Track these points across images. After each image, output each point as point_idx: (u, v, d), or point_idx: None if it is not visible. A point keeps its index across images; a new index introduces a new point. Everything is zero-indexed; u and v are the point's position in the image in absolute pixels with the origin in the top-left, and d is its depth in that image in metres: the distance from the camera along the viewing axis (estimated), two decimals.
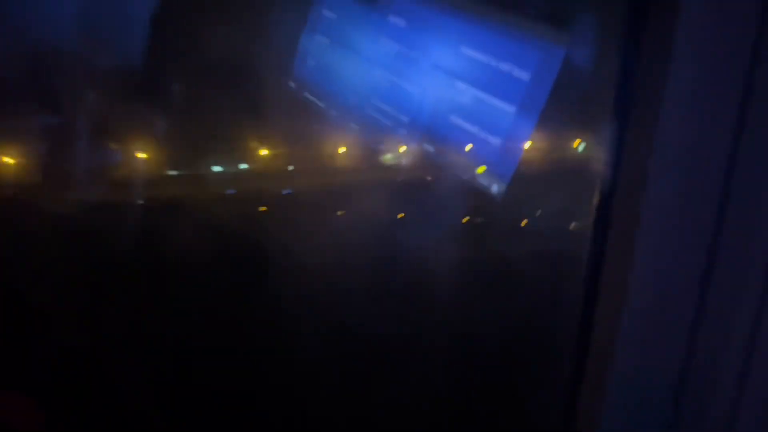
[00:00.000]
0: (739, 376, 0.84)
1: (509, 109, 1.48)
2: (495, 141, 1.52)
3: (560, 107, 1.42)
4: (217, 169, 2.09)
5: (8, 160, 1.86)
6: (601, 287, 0.92)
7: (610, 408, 0.90)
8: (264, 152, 2.18)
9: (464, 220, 1.69)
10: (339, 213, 1.92)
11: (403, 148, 1.85)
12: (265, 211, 2.01)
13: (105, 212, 1.82)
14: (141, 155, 2.06)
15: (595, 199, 0.93)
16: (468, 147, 1.57)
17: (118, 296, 1.73)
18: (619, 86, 0.87)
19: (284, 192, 2.09)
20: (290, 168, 2.13)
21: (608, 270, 0.90)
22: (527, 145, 1.49)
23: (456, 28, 1.57)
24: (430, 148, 1.64)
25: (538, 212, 1.58)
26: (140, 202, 1.93)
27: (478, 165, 1.55)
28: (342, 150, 2.12)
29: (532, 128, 1.45)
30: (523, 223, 1.58)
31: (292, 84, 2.03)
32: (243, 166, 2.15)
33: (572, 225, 1.46)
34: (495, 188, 1.53)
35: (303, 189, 2.13)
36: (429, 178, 1.72)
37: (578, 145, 1.53)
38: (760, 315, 0.82)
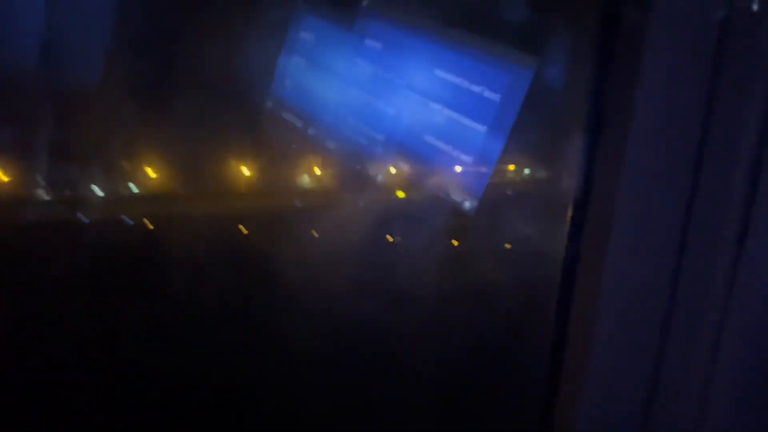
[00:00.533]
0: (705, 381, 0.88)
1: (480, 128, 1.54)
2: (467, 159, 1.57)
3: (529, 126, 1.48)
4: (98, 192, 1.99)
5: None
6: (574, 297, 0.95)
7: (584, 411, 0.93)
8: (154, 176, 2.08)
9: (387, 240, 1.72)
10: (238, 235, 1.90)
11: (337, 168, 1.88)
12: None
13: None
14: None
15: (566, 213, 0.98)
16: (441, 164, 1.62)
17: None
18: (589, 105, 0.91)
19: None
20: (182, 192, 2.07)
21: (581, 278, 0.94)
22: (497, 162, 1.54)
23: (430, 52, 1.64)
24: (404, 165, 1.70)
25: (510, 225, 1.63)
26: None
27: (450, 182, 1.61)
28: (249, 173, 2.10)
29: (502, 146, 1.51)
30: (496, 237, 1.63)
31: (269, 104, 2.07)
32: (134, 189, 2.06)
33: (543, 239, 1.51)
34: (467, 204, 1.59)
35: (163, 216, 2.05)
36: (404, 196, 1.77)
37: (547, 163, 1.59)
38: (722, 325, 0.86)
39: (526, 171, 1.56)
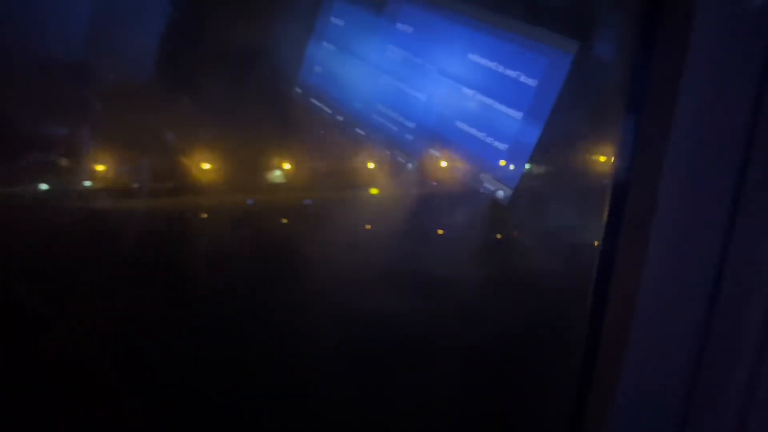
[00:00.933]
0: (747, 387, 0.83)
1: (516, 115, 1.48)
2: (501, 147, 1.52)
3: (567, 113, 1.42)
4: (43, 186, 1.96)
5: None
6: (610, 294, 0.91)
7: (617, 415, 0.89)
8: (101, 168, 2.04)
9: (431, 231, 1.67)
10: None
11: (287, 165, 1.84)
12: None
13: None
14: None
15: (604, 206, 0.93)
16: (474, 152, 1.57)
17: None
18: (631, 92, 0.86)
19: None
20: (135, 185, 2.03)
21: (618, 276, 0.89)
22: (534, 151, 1.49)
23: (463, 35, 1.58)
24: (436, 153, 1.65)
25: (545, 218, 1.57)
26: None
27: (484, 171, 1.55)
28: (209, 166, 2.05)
29: (539, 134, 1.45)
30: (530, 229, 1.57)
31: (298, 90, 2.03)
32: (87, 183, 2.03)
33: (579, 231, 1.46)
34: (501, 194, 1.53)
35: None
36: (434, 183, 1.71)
37: (586, 152, 1.53)
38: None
39: (564, 158, 1.50)
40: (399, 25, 1.72)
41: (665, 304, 0.87)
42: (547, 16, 1.44)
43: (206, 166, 2.11)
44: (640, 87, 0.88)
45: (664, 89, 0.82)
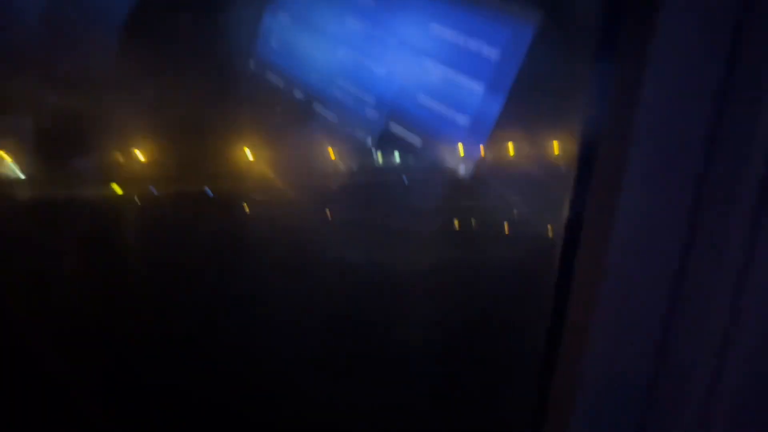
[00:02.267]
0: (711, 379, 0.83)
1: (477, 87, 1.46)
2: (463, 119, 1.50)
3: (529, 85, 1.41)
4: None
5: None
6: (573, 278, 0.89)
7: (579, 411, 0.88)
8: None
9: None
10: None
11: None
12: None
13: None
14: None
15: (564, 183, 0.91)
16: (434, 126, 1.54)
17: None
18: (596, 67, 0.85)
19: None
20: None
21: (581, 265, 0.88)
22: (495, 124, 1.47)
23: (424, 6, 1.55)
24: (397, 127, 1.61)
25: (506, 195, 1.56)
26: None
27: (446, 144, 1.53)
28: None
29: (501, 106, 1.43)
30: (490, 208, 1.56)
31: (252, 64, 1.97)
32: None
33: (540, 210, 1.45)
34: (462, 168, 1.51)
35: None
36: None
37: (548, 126, 1.52)
38: (734, 316, 0.80)
39: (526, 131, 1.49)
40: None
41: (628, 294, 0.86)
42: None
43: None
44: (605, 63, 0.85)
45: (631, 65, 0.79)
